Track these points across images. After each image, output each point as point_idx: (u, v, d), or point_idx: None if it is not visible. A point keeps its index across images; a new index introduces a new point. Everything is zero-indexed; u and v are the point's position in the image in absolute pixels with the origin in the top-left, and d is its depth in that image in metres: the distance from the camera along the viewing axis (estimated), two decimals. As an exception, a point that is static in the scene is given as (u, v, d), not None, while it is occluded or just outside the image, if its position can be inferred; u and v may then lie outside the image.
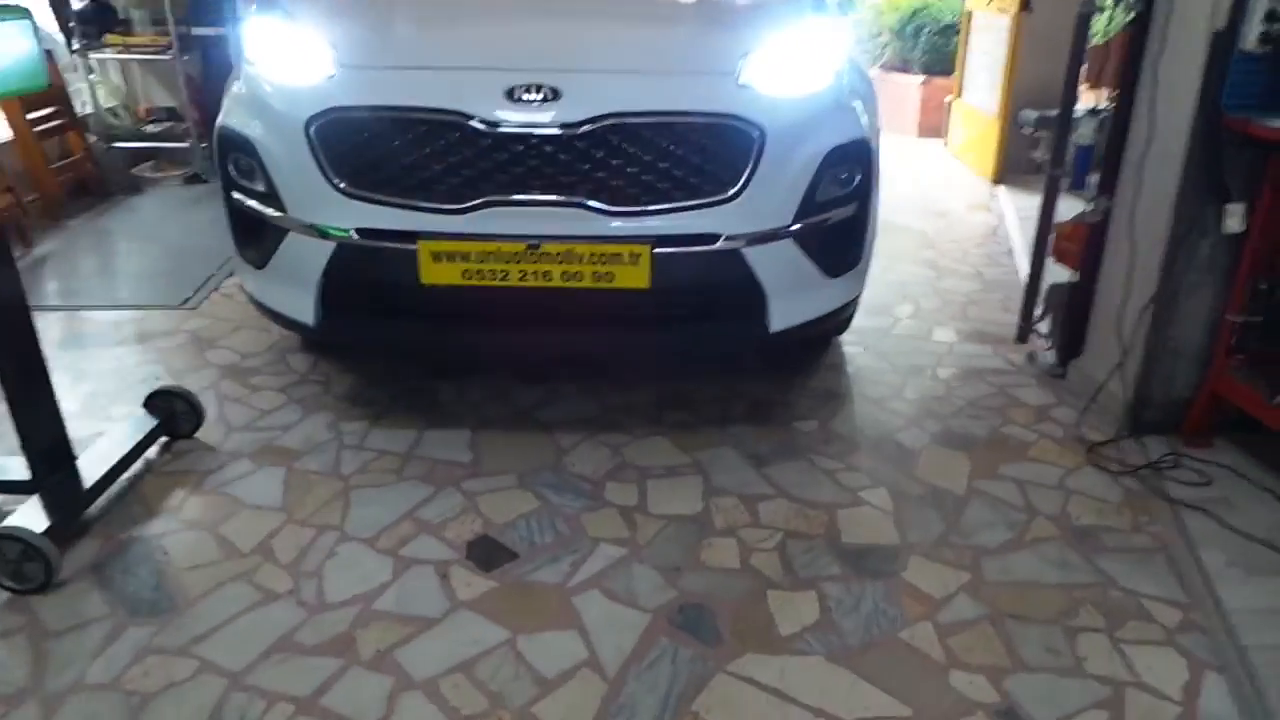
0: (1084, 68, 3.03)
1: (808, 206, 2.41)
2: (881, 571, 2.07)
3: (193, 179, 5.48)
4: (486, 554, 2.09)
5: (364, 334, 2.59)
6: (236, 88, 2.63)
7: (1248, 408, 2.43)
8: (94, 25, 5.49)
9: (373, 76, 2.40)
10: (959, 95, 7.12)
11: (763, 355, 3.13)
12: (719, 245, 2.35)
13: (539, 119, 2.25)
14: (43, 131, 4.84)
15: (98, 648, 1.77)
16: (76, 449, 2.27)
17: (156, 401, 2.49)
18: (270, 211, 2.45)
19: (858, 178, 2.52)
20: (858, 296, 2.80)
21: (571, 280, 2.31)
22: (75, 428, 2.52)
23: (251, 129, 2.45)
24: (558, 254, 2.28)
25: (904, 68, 8.47)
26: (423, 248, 2.28)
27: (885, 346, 3.32)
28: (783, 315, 2.49)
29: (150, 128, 6.01)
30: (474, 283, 2.31)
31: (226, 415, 2.70)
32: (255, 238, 2.55)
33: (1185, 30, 2.43)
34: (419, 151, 2.29)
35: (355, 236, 2.35)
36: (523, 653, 1.79)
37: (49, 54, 5.05)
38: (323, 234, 2.37)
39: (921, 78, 8.08)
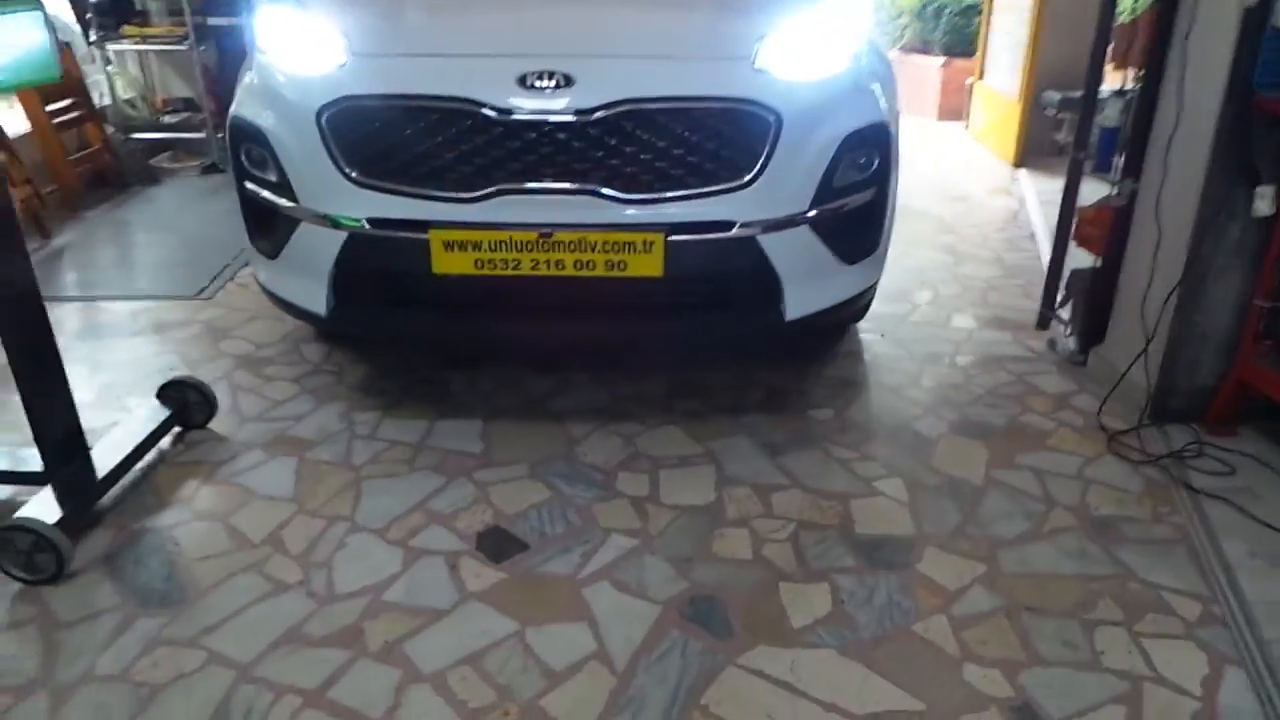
0: (1110, 46, 2.95)
1: (824, 192, 2.37)
2: (896, 563, 2.04)
3: (210, 169, 5.49)
4: (497, 545, 2.08)
5: (376, 324, 2.58)
6: (248, 77, 2.62)
7: (1275, 395, 2.38)
8: (111, 16, 5.51)
9: (384, 65, 2.38)
10: (980, 77, 7.01)
11: (778, 343, 3.10)
12: (734, 232, 2.32)
13: (552, 106, 2.22)
14: (61, 123, 4.87)
15: (108, 639, 1.77)
16: (90, 439, 2.28)
17: (170, 392, 2.50)
18: (282, 201, 2.44)
19: (876, 162, 2.47)
20: (875, 283, 2.76)
21: (584, 269, 2.29)
22: (90, 418, 2.54)
23: (263, 119, 2.44)
24: (570, 242, 2.26)
25: (924, 49, 8.35)
26: (434, 237, 2.27)
27: (903, 333, 3.27)
28: (798, 303, 2.46)
29: (168, 118, 6.04)
30: (486, 272, 2.29)
31: (240, 405, 2.71)
32: (267, 228, 2.55)
33: (1216, 6, 2.35)
34: (431, 140, 2.27)
35: (367, 226, 2.34)
36: (531, 645, 1.78)
37: (66, 45, 5.08)
38: (334, 224, 2.36)
39: (942, 59, 7.95)
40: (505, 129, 2.24)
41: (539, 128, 2.23)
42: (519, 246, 2.27)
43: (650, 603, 1.90)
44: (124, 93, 5.88)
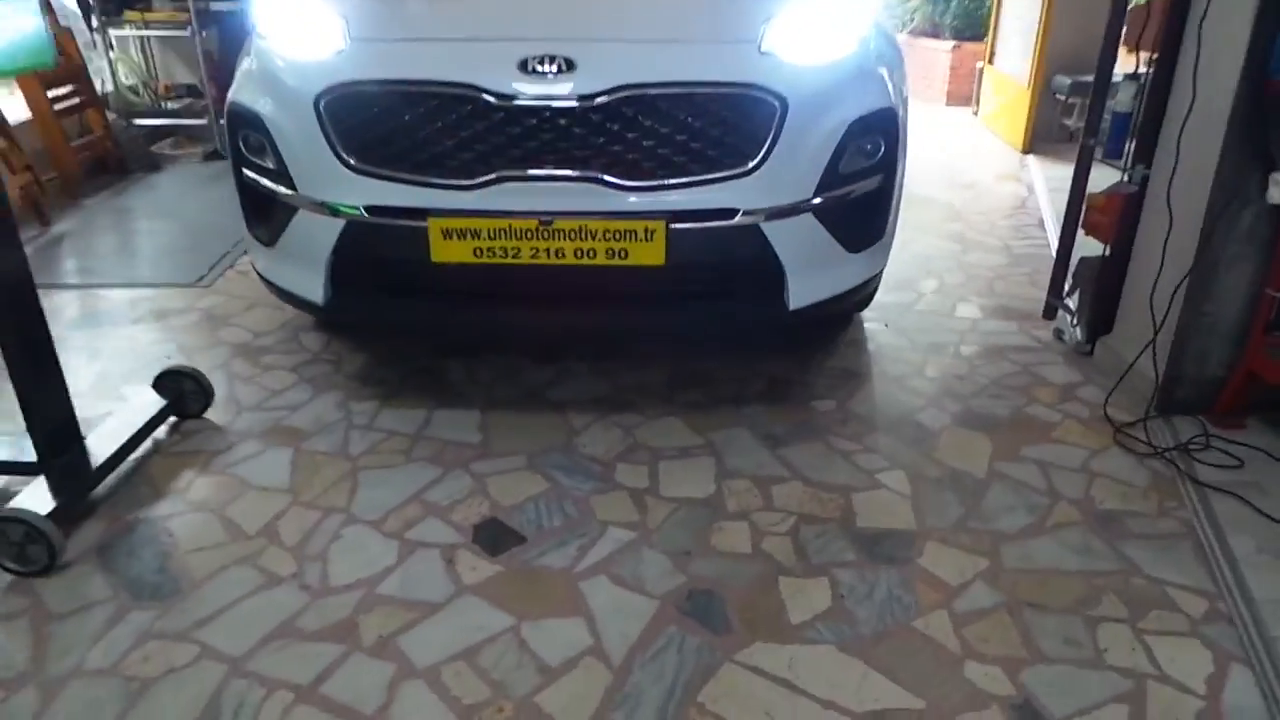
0: (1124, 29, 2.90)
1: (830, 179, 2.33)
2: (897, 557, 2.01)
3: (212, 156, 5.47)
4: (493, 537, 2.05)
5: (374, 313, 2.56)
6: (247, 63, 2.59)
7: (1285, 388, 2.34)
8: (113, 2, 5.48)
9: (383, 50, 2.34)
10: (990, 61, 6.93)
11: (781, 332, 3.06)
12: (737, 220, 2.28)
13: (553, 91, 2.19)
14: (62, 109, 4.84)
15: (99, 632, 1.76)
16: (85, 429, 2.27)
17: (166, 381, 2.48)
18: (280, 189, 2.42)
19: (883, 148, 2.43)
20: (880, 272, 2.72)
21: (585, 257, 2.26)
22: (86, 407, 2.53)
23: (261, 105, 2.41)
24: (570, 230, 2.23)
25: (934, 33, 8.26)
26: (433, 225, 2.24)
27: (907, 323, 3.24)
28: (802, 292, 2.43)
29: (170, 104, 6.03)
30: (485, 260, 2.27)
31: (237, 395, 2.69)
32: (265, 215, 2.53)
33: (1231, -11, 2.30)
34: (430, 126, 2.24)
35: (365, 214, 2.31)
36: (527, 640, 1.75)
37: (67, 31, 5.05)
38: (332, 211, 2.34)
39: (951, 43, 7.87)
40: (505, 115, 2.20)
41: (539, 113, 2.20)
42: (518, 235, 2.24)
43: (647, 597, 1.87)
44: (126, 79, 5.86)
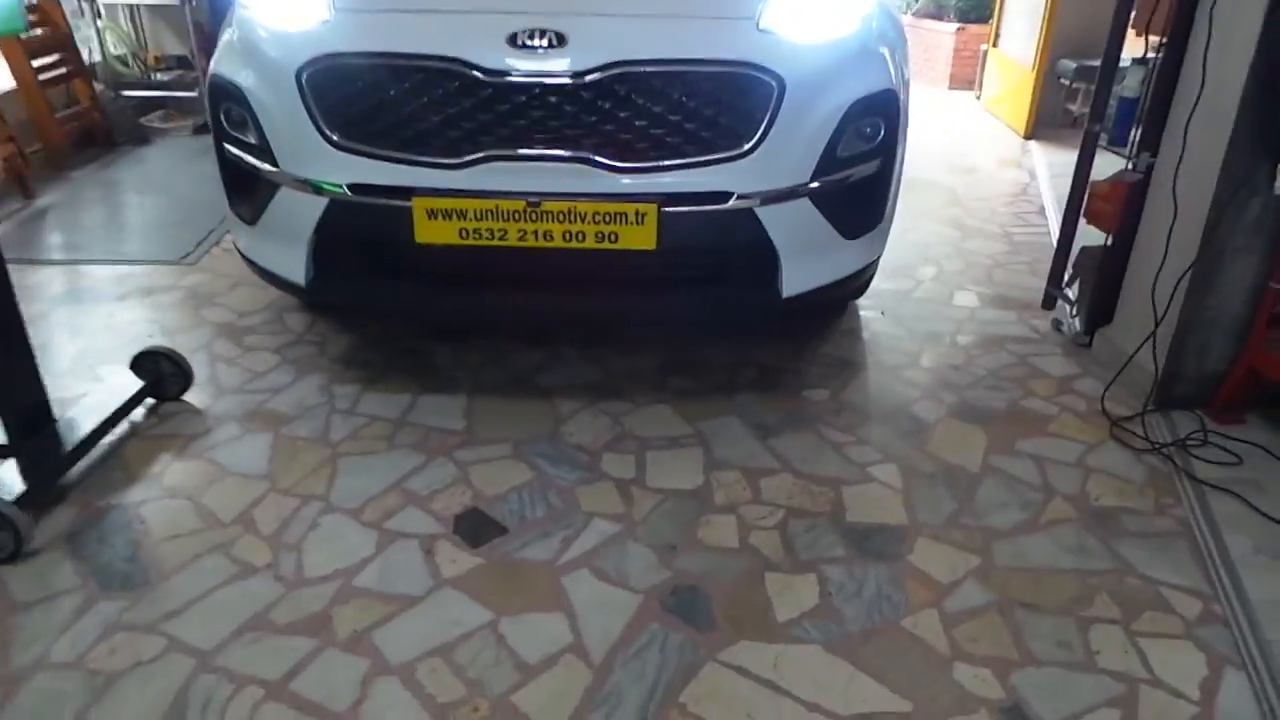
0: (1132, 12, 2.82)
1: (828, 163, 2.27)
2: (886, 554, 1.97)
3: (202, 129, 5.38)
4: (474, 528, 2.01)
5: (357, 295, 2.50)
6: (229, 33, 2.52)
7: (1287, 384, 2.29)
8: (101, -32, 5.37)
9: (368, 21, 2.27)
10: (994, 44, 6.83)
11: (774, 320, 3.00)
12: (731, 204, 2.23)
13: (543, 67, 2.12)
14: (48, 79, 4.75)
15: (65, 622, 1.71)
16: (60, 410, 2.21)
17: (143, 363, 2.42)
18: (261, 165, 2.35)
19: (882, 132, 2.37)
20: (877, 259, 2.66)
21: (573, 240, 2.20)
22: (61, 387, 2.48)
23: (243, 77, 2.34)
24: (559, 212, 2.17)
25: (938, 14, 8.15)
26: (417, 205, 2.18)
27: (904, 311, 3.18)
28: (796, 280, 2.37)
29: (159, 76, 5.91)
30: (471, 242, 2.21)
31: (218, 376, 2.63)
32: (247, 192, 2.47)
33: (1243, -27, 2.23)
34: (415, 102, 2.18)
35: (348, 192, 2.25)
36: (505, 636, 1.71)
37: (55, -2, 4.94)
38: (315, 189, 2.27)
39: (956, 25, 7.76)
40: (493, 91, 2.14)
41: (528, 90, 2.13)
42: (505, 216, 2.17)
43: (631, 592, 1.83)
44: (114, 49, 5.75)
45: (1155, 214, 2.62)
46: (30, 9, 4.68)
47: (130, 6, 5.84)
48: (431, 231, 2.20)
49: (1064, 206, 3.12)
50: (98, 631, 1.69)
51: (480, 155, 2.17)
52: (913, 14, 8.32)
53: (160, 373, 2.43)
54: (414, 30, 2.21)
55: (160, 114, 5.70)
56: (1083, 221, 2.95)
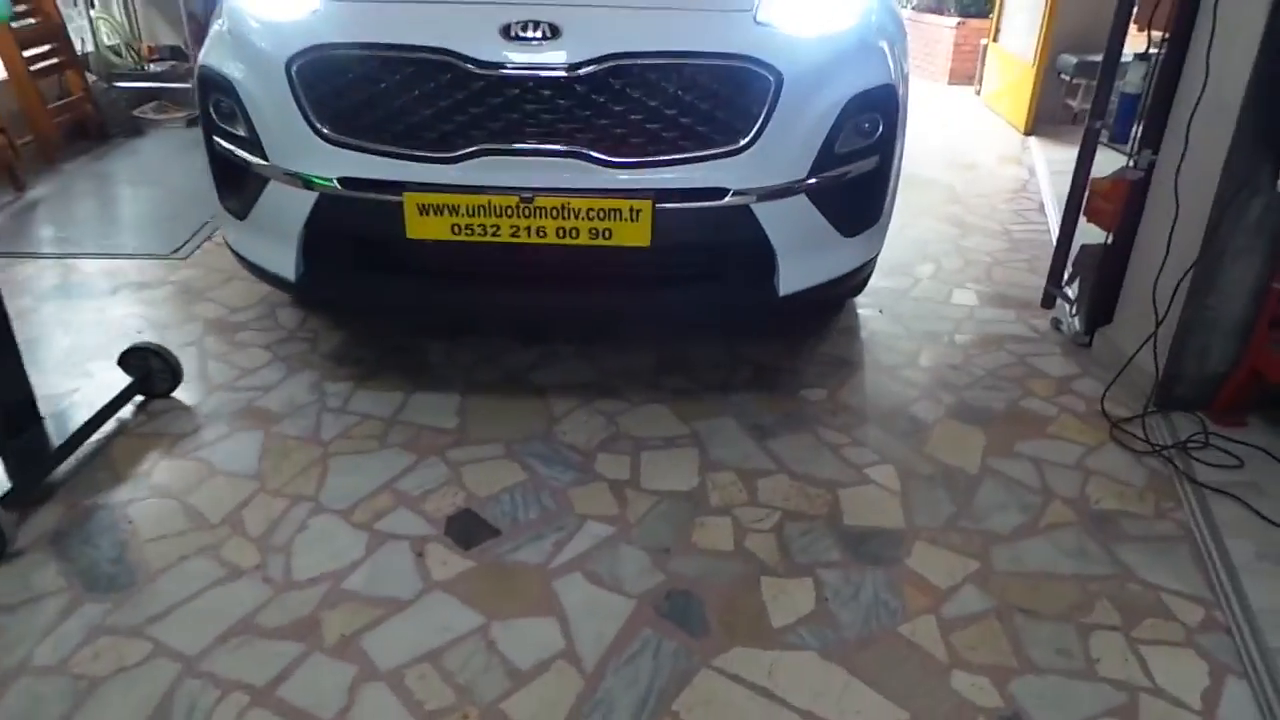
0: (1134, 7, 2.79)
1: (825, 159, 2.24)
2: (884, 558, 1.94)
3: (196, 121, 5.31)
4: (466, 530, 1.98)
5: (347, 291, 2.47)
6: (218, 24, 2.48)
7: (1290, 386, 2.27)
8: (93, -43, 5.32)
9: (359, 11, 2.24)
10: (994, 39, 6.79)
11: (771, 318, 2.97)
12: (727, 200, 2.20)
13: (536, 59, 2.09)
14: (39, 70, 4.70)
15: (49, 625, 1.68)
16: (48, 407, 2.18)
17: (132, 359, 2.39)
18: (251, 158, 2.32)
19: (881, 127, 2.34)
20: (875, 257, 2.64)
21: (567, 237, 2.17)
22: (50, 384, 2.45)
23: (232, 68, 2.31)
24: (552, 208, 2.14)
25: (938, 9, 8.11)
26: (408, 200, 2.15)
27: (902, 309, 3.15)
28: (793, 277, 2.34)
29: (153, 67, 5.86)
30: (463, 238, 2.18)
31: (208, 373, 2.60)
32: (236, 186, 2.43)
33: (1249, -32, 2.20)
34: (406, 94, 2.15)
35: (338, 186, 2.22)
36: (496, 641, 1.68)
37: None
38: (305, 183, 2.24)
39: (956, 20, 7.72)
40: (486, 84, 2.11)
41: (521, 83, 2.10)
42: (498, 212, 2.14)
43: (624, 597, 1.80)
44: (107, 39, 5.70)
45: (1156, 212, 2.59)
46: (21, -2, 4.63)
47: (123, -4, 5.80)
48: (423, 227, 2.17)
49: (1064, 204, 3.09)
50: (82, 635, 1.66)
51: (472, 149, 2.14)
52: (913, 8, 8.28)
53: (149, 369, 2.40)
54: (405, 21, 2.18)
55: (154, 105, 5.65)
56: (1083, 219, 2.92)
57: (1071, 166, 3.03)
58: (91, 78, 5.16)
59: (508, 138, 2.14)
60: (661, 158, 2.17)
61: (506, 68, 2.09)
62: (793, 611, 1.78)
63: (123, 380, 2.34)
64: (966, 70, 7.59)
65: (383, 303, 2.62)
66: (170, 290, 3.15)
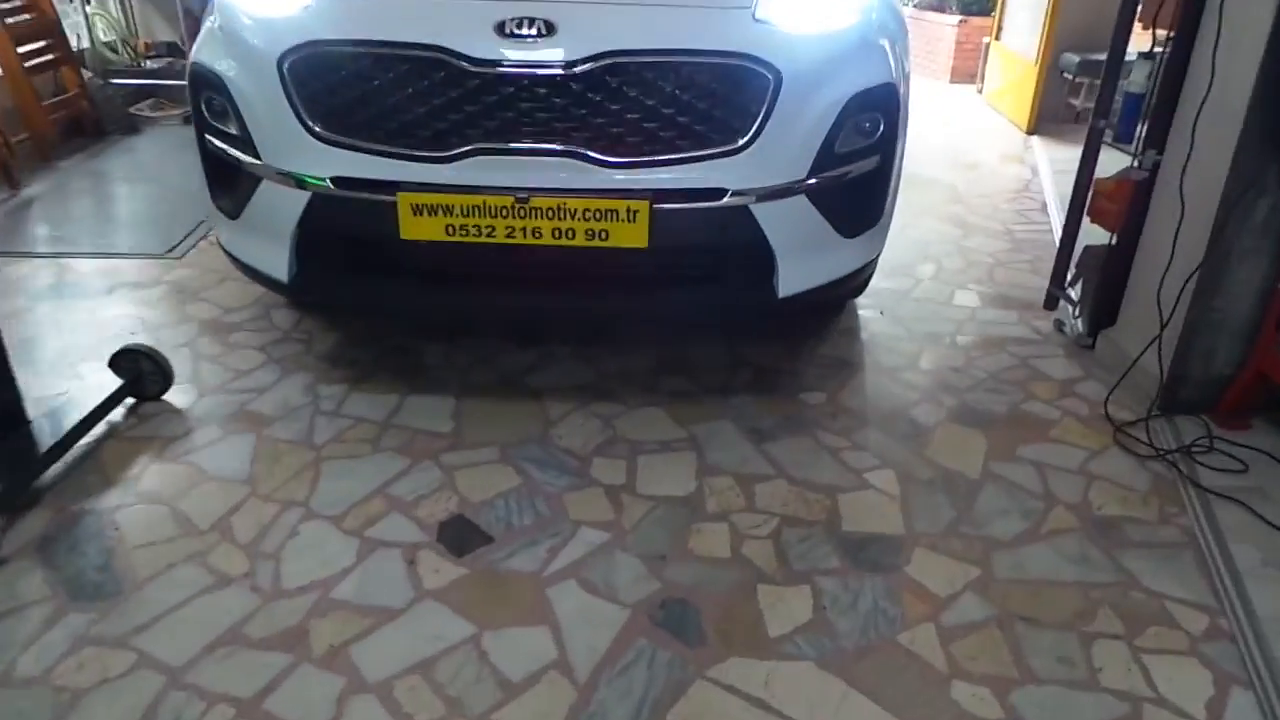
0: (1139, 5, 2.76)
1: (825, 159, 2.21)
2: (883, 565, 1.91)
3: (192, 118, 5.29)
4: (459, 536, 1.95)
5: (340, 292, 2.44)
6: (210, 20, 2.45)
7: (1296, 390, 2.23)
8: (89, -47, 5.28)
9: (352, 7, 2.21)
10: (997, 37, 6.75)
11: (771, 319, 2.94)
12: (725, 201, 2.17)
13: (531, 57, 2.06)
14: (34, 66, 4.67)
15: (33, 635, 1.65)
16: (38, 409, 2.15)
17: (122, 361, 2.36)
18: (243, 157, 2.29)
19: (882, 127, 2.30)
20: (876, 258, 2.61)
21: (563, 238, 2.14)
22: (40, 386, 2.43)
23: (223, 65, 2.28)
24: (548, 209, 2.11)
25: (940, 6, 8.07)
26: (402, 200, 2.12)
27: (903, 311, 3.12)
28: (792, 279, 2.31)
29: (150, 63, 5.82)
30: (458, 239, 2.15)
31: (201, 375, 2.57)
32: (229, 185, 2.41)
33: (1256, -35, 2.16)
34: (399, 92, 2.12)
35: (331, 186, 2.18)
36: (487, 651, 1.65)
37: (41, -16, 4.85)
38: (297, 183, 2.21)
39: (958, 18, 7.68)
40: (480, 82, 2.08)
41: (517, 81, 2.07)
42: (493, 212, 2.11)
43: (618, 605, 1.77)
44: (104, 35, 5.67)
45: (1161, 213, 2.55)
46: (17, -6, 4.60)
47: (120, -8, 5.76)
48: (417, 227, 2.14)
49: (1067, 204, 3.06)
50: (66, 645, 1.63)
51: (467, 149, 2.11)
52: (914, 5, 8.24)
53: (139, 371, 2.37)
54: (399, 17, 2.15)
55: (150, 102, 5.62)
56: (1086, 220, 2.89)
57: (1074, 166, 3.00)
58: (87, 74, 5.13)
59: (503, 137, 2.11)
60: (659, 157, 2.14)
61: (501, 65, 2.06)
62: (790, 620, 1.75)
63: (114, 382, 2.31)
64: (968, 68, 7.55)
65: (377, 304, 2.60)
66: (165, 290, 3.12)
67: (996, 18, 6.72)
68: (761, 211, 2.20)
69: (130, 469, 2.14)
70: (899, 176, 2.51)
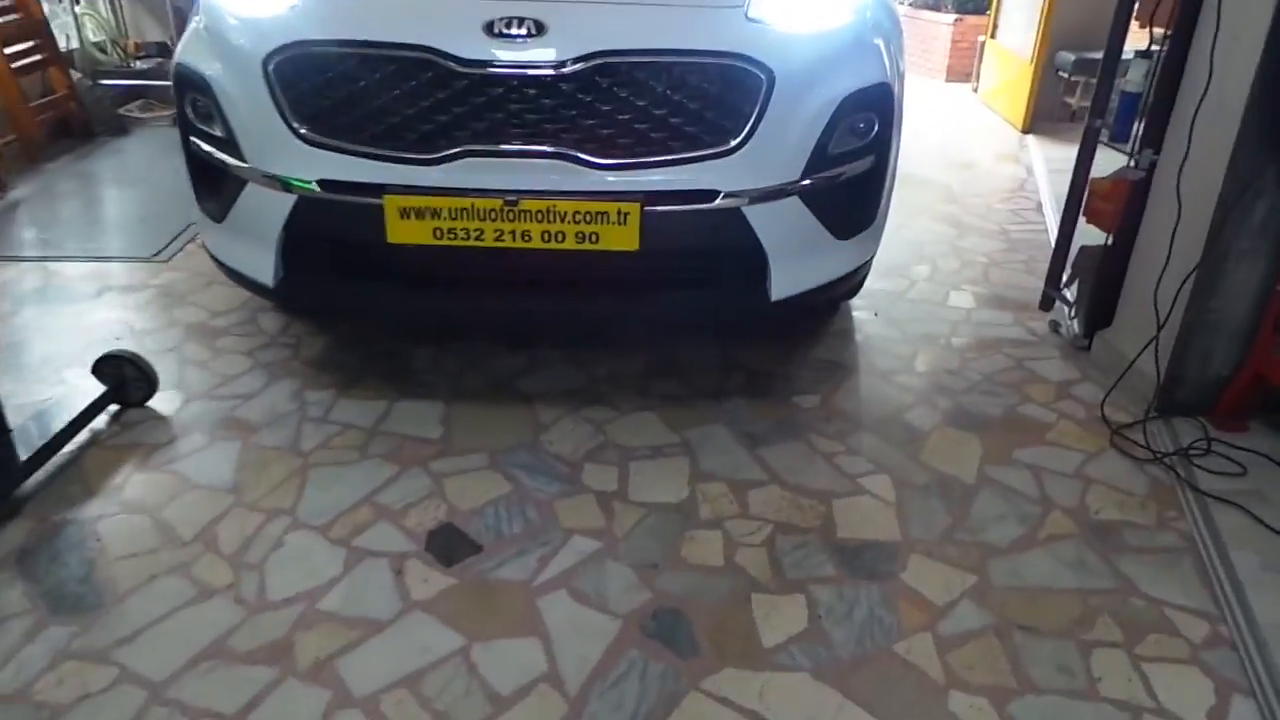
0: (1136, 3, 2.74)
1: (819, 160, 2.18)
2: (878, 572, 1.88)
3: (182, 119, 5.24)
4: (448, 546, 1.91)
5: (327, 296, 2.41)
6: (196, 20, 2.41)
7: (1295, 392, 2.21)
8: (78, -47, 5.23)
9: (338, 7, 2.17)
10: (992, 35, 6.73)
11: (763, 321, 2.91)
12: (717, 203, 2.14)
13: (521, 57, 2.03)
14: (22, 67, 4.62)
15: (12, 649, 1.61)
16: (19, 416, 2.11)
17: (106, 367, 2.32)
18: (228, 159, 2.26)
19: (876, 127, 2.28)
20: (870, 260, 2.58)
21: (553, 241, 2.11)
22: (23, 392, 2.39)
23: (208, 66, 2.24)
24: (538, 212, 2.08)
25: (935, 5, 8.05)
26: (389, 203, 2.08)
27: (898, 312, 3.09)
28: (785, 282, 2.28)
29: (139, 64, 5.77)
30: (445, 242, 2.11)
31: (186, 380, 2.53)
32: (214, 189, 2.37)
33: (1254, -38, 2.14)
34: (386, 93, 2.09)
35: (317, 189, 2.15)
36: (476, 664, 1.62)
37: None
38: (283, 185, 2.18)
39: (953, 16, 7.65)
40: (468, 83, 2.05)
41: (506, 82, 2.04)
42: (481, 215, 2.08)
43: (610, 616, 1.74)
44: (93, 35, 5.62)
45: (1158, 213, 2.53)
46: (3, -5, 4.56)
47: (109, -8, 5.71)
48: (404, 231, 2.11)
49: (1063, 204, 3.04)
50: (46, 660, 1.59)
51: (455, 151, 2.08)
52: (909, 4, 8.22)
53: (123, 377, 2.33)
54: (386, 17, 2.12)
55: (140, 103, 5.57)
56: (1082, 220, 2.86)
57: (1070, 165, 2.97)
58: (76, 75, 5.08)
59: (491, 138, 2.08)
60: (650, 159, 2.11)
61: (490, 66, 2.03)
62: (784, 630, 1.73)
63: (97, 389, 2.27)
64: (964, 67, 7.53)
65: (364, 308, 2.56)
66: (151, 294, 3.09)
67: (992, 16, 6.70)
68: (754, 213, 2.17)
69: (113, 478, 2.10)
70: (894, 177, 2.48)
